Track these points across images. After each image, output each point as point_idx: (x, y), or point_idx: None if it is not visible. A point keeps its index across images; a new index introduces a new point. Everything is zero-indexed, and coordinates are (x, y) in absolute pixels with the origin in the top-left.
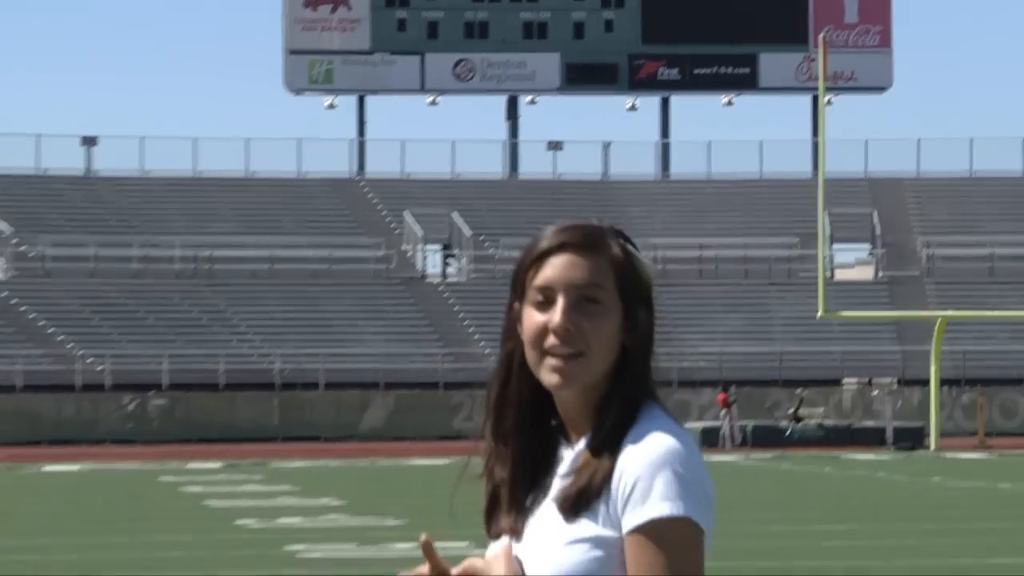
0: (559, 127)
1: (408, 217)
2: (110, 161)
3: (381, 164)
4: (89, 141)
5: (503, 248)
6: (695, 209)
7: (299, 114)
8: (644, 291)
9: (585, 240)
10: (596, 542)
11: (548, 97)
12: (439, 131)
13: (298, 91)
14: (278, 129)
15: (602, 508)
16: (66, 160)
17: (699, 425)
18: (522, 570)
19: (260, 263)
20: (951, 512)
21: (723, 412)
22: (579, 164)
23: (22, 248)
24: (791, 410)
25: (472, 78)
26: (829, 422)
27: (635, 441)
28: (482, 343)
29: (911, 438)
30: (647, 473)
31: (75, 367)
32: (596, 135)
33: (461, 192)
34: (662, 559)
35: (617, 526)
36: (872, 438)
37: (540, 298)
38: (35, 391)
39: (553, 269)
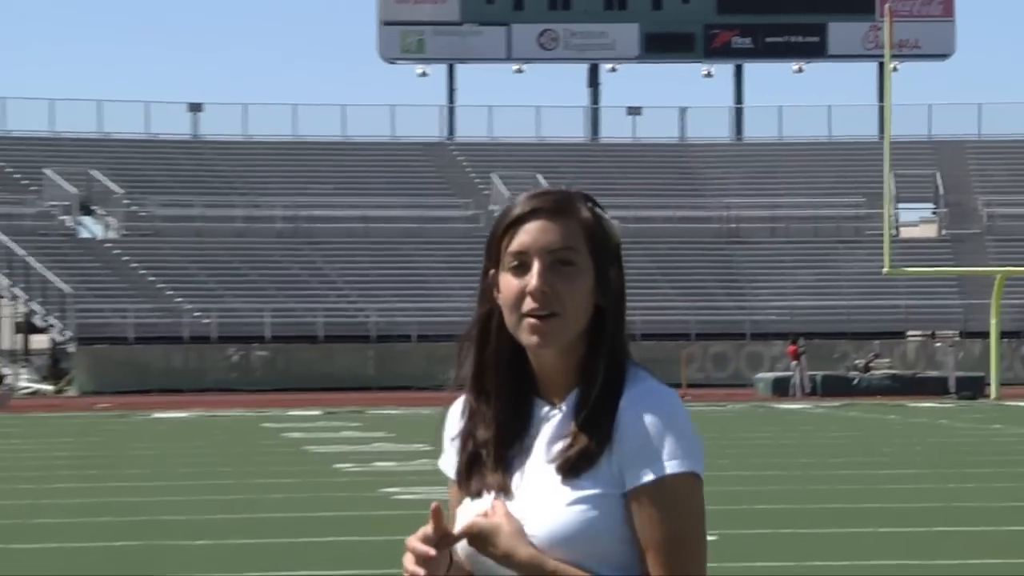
0: (638, 93)
1: (495, 179)
2: (215, 126)
3: (470, 129)
4: (195, 108)
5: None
6: (767, 171)
7: (392, 82)
8: (614, 252)
9: (556, 206)
10: (597, 500)
11: (627, 65)
12: (524, 97)
13: (391, 60)
14: (372, 96)
15: (604, 467)
16: (174, 126)
17: (771, 375)
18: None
19: (355, 222)
20: (1009, 457)
21: (793, 363)
22: (657, 128)
23: (133, 208)
24: (862, 362)
25: (556, 47)
26: (894, 372)
27: (633, 401)
28: None
29: (972, 387)
30: (651, 432)
31: (183, 320)
32: (673, 101)
33: (545, 155)
34: (675, 514)
35: (618, 484)
36: (935, 387)
37: (515, 263)
38: (146, 343)
39: (527, 235)
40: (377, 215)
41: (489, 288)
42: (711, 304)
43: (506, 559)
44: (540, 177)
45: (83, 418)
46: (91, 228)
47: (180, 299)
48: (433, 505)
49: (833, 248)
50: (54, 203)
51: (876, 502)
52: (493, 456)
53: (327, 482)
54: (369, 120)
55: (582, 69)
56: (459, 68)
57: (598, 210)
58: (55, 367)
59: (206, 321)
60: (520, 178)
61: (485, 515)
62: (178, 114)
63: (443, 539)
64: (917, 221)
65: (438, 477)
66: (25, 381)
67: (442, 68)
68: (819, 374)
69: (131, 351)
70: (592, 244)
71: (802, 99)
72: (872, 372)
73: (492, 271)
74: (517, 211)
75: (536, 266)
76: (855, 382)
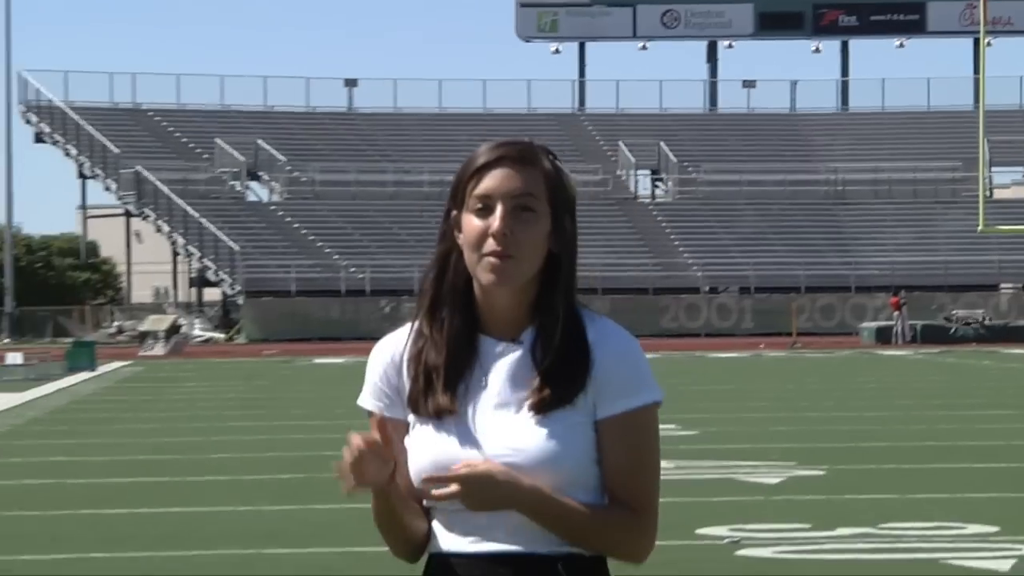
0: (752, 68)
1: (622, 146)
2: (368, 100)
3: (599, 101)
4: (351, 83)
5: (704, 172)
6: (871, 138)
7: (528, 59)
8: (570, 203)
9: (520, 155)
10: (573, 429)
11: (743, 42)
12: (648, 72)
13: (528, 39)
14: (510, 71)
15: (580, 399)
16: (331, 99)
17: (874, 325)
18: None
19: None
20: None
21: (895, 313)
22: (769, 100)
23: (295, 174)
24: (959, 313)
25: (677, 26)
26: (988, 322)
27: (599, 339)
28: (685, 254)
29: None
30: (623, 367)
31: (340, 275)
32: (784, 75)
33: (667, 124)
34: (643, 439)
35: (589, 412)
36: None
37: (479, 206)
38: (307, 296)
39: (492, 180)
40: None
41: (450, 228)
42: (819, 260)
43: (509, 496)
44: (663, 144)
45: (251, 363)
46: (257, 192)
47: (337, 256)
48: (376, 417)
49: (931, 208)
50: (224, 170)
51: (970, 440)
52: (443, 380)
53: None
54: (507, 93)
55: (701, 46)
56: (589, 46)
57: (558, 163)
58: (226, 317)
59: (360, 276)
60: (644, 146)
61: (464, 467)
62: (335, 89)
63: (388, 443)
64: (1009, 183)
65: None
66: (199, 330)
67: (574, 46)
68: (919, 323)
69: (294, 303)
70: (551, 194)
71: (903, 72)
72: (967, 321)
73: (455, 213)
74: (484, 158)
75: (499, 210)
76: (952, 331)
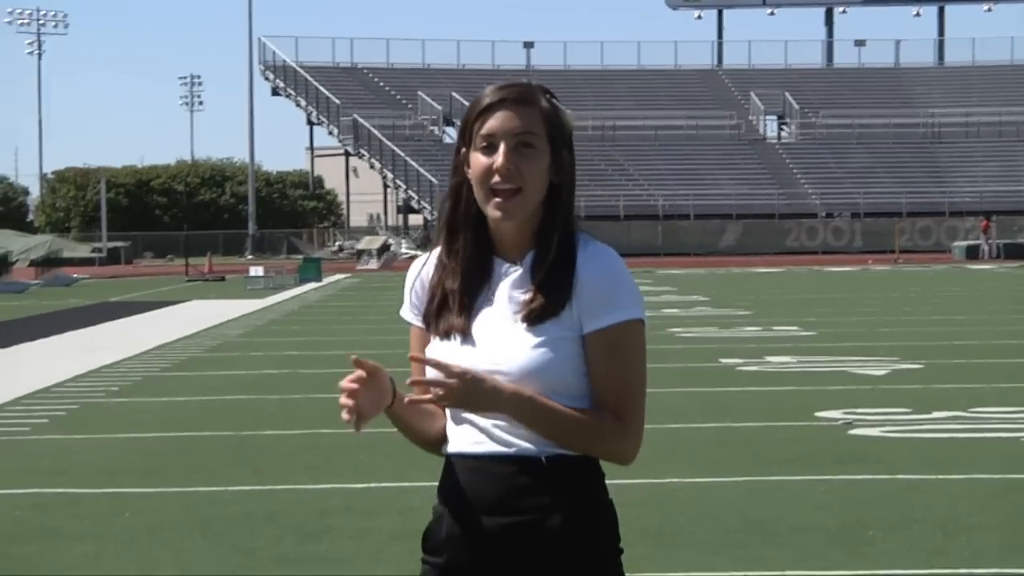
0: (863, 29)
1: (753, 96)
2: (543, 59)
3: (733, 58)
4: (528, 44)
5: (822, 117)
6: (963, 88)
7: (675, 23)
8: (567, 137)
9: (520, 96)
10: (559, 342)
11: (855, 8)
12: (775, 34)
13: (675, 6)
14: (660, 34)
15: (565, 315)
16: (512, 59)
17: (964, 243)
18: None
19: (648, 131)
20: None
21: (983, 234)
22: (877, 56)
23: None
24: None
25: None
26: None
27: (587, 259)
28: (806, 186)
29: None
30: (606, 285)
31: None
32: (890, 35)
33: (791, 77)
34: (629, 352)
35: (576, 328)
36: None
37: (484, 144)
38: None
39: (495, 120)
40: (664, 124)
41: (461, 164)
42: (918, 190)
43: (490, 397)
44: (787, 94)
45: None
46: (452, 136)
47: None
48: (352, 357)
49: (1014, 146)
50: (425, 117)
51: None
52: (459, 303)
53: None
54: (657, 53)
55: (820, 11)
56: (726, 12)
57: (555, 101)
58: (427, 238)
59: None
60: (772, 95)
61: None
62: (515, 50)
63: (374, 374)
64: None
65: (711, 320)
66: (404, 248)
67: (713, 12)
68: (1003, 242)
69: None
70: (549, 130)
71: (991, 32)
72: None
73: (464, 150)
74: (487, 100)
75: (502, 147)
76: None
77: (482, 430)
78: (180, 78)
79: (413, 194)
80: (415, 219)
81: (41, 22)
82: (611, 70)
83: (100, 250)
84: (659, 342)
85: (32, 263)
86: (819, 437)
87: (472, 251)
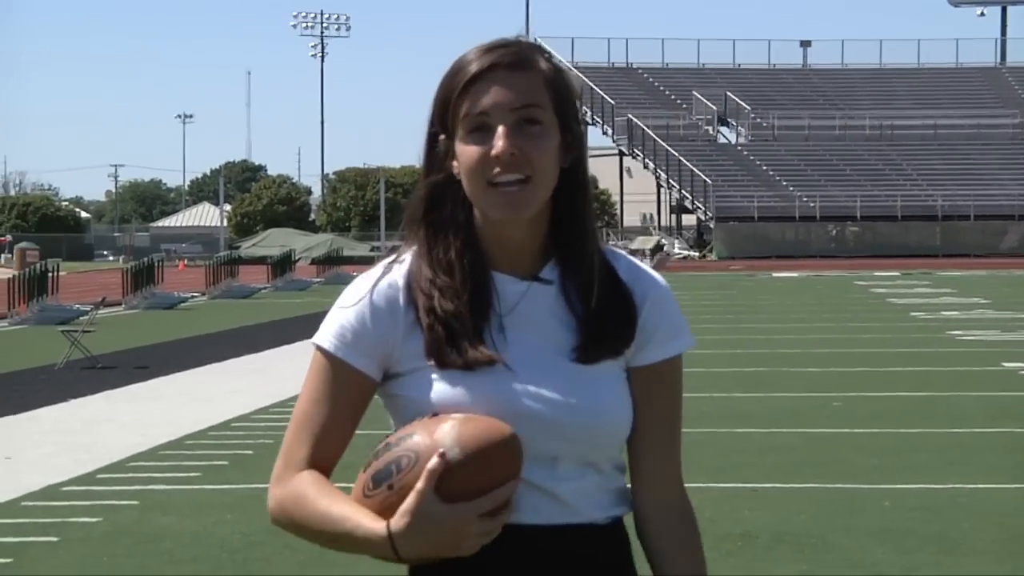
0: None
1: None
2: (820, 57)
3: (1018, 56)
4: (805, 44)
5: None
6: None
7: (957, 20)
8: (576, 107)
9: (516, 59)
10: (618, 377)
11: None
12: None
13: (957, 4)
14: (941, 32)
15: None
16: (789, 57)
17: None
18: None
19: (927, 129)
20: None
21: None
22: None
23: (757, 121)
24: None
25: None
26: None
27: (634, 278)
28: None
29: None
30: (663, 311)
31: (794, 204)
32: None
33: None
34: (680, 384)
35: (626, 357)
36: None
37: (475, 126)
38: (766, 221)
39: (486, 94)
40: (944, 123)
41: (441, 156)
42: None
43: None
44: None
45: (721, 276)
46: (727, 136)
47: (792, 188)
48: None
49: None
50: (699, 117)
51: None
52: (472, 328)
53: (905, 326)
54: (938, 50)
55: None
56: (1011, 9)
57: (555, 61)
58: (700, 238)
59: (812, 204)
60: None
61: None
62: (792, 48)
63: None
64: None
65: (992, 323)
66: (678, 248)
67: (996, 9)
68: None
69: (755, 227)
70: (556, 100)
71: None
72: None
73: (442, 138)
74: (473, 68)
75: (500, 128)
76: None
77: (549, 497)
78: None
79: (687, 194)
80: (688, 219)
81: (324, 25)
82: (890, 68)
83: (378, 249)
84: (938, 345)
85: (313, 261)
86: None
87: (468, 264)
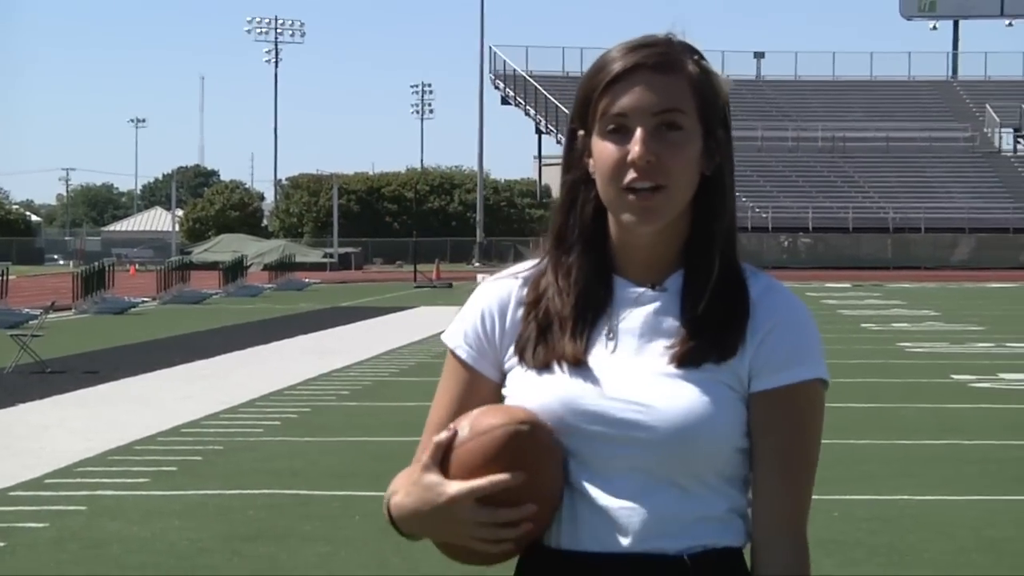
0: None
1: (989, 108)
2: (773, 69)
3: (969, 70)
4: (759, 55)
5: None
6: None
7: (908, 33)
8: (723, 112)
9: (661, 60)
10: (722, 397)
11: None
12: (1014, 45)
13: (909, 17)
14: (893, 45)
15: (733, 361)
16: (742, 68)
17: None
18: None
19: (879, 142)
20: None
21: None
22: None
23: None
24: None
25: None
26: None
27: (764, 294)
28: None
29: None
30: (791, 332)
31: (747, 215)
32: None
33: None
34: (808, 418)
35: (742, 384)
36: None
37: (613, 126)
38: None
39: (627, 95)
40: (896, 136)
41: (580, 154)
42: None
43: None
44: None
45: None
46: None
47: (745, 199)
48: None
49: None
50: None
51: None
52: (571, 328)
53: (856, 337)
54: (890, 63)
55: None
56: (962, 23)
57: (705, 63)
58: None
59: (764, 215)
60: (1008, 108)
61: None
62: (746, 60)
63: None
64: None
65: (941, 335)
66: None
67: (949, 23)
68: None
69: None
70: (701, 105)
71: None
72: None
73: (581, 134)
74: (617, 67)
75: (639, 132)
76: None
77: (612, 520)
78: (412, 86)
79: None
80: None
81: (279, 31)
82: (843, 80)
83: (331, 255)
84: (888, 356)
85: (266, 267)
86: None
87: (590, 268)
